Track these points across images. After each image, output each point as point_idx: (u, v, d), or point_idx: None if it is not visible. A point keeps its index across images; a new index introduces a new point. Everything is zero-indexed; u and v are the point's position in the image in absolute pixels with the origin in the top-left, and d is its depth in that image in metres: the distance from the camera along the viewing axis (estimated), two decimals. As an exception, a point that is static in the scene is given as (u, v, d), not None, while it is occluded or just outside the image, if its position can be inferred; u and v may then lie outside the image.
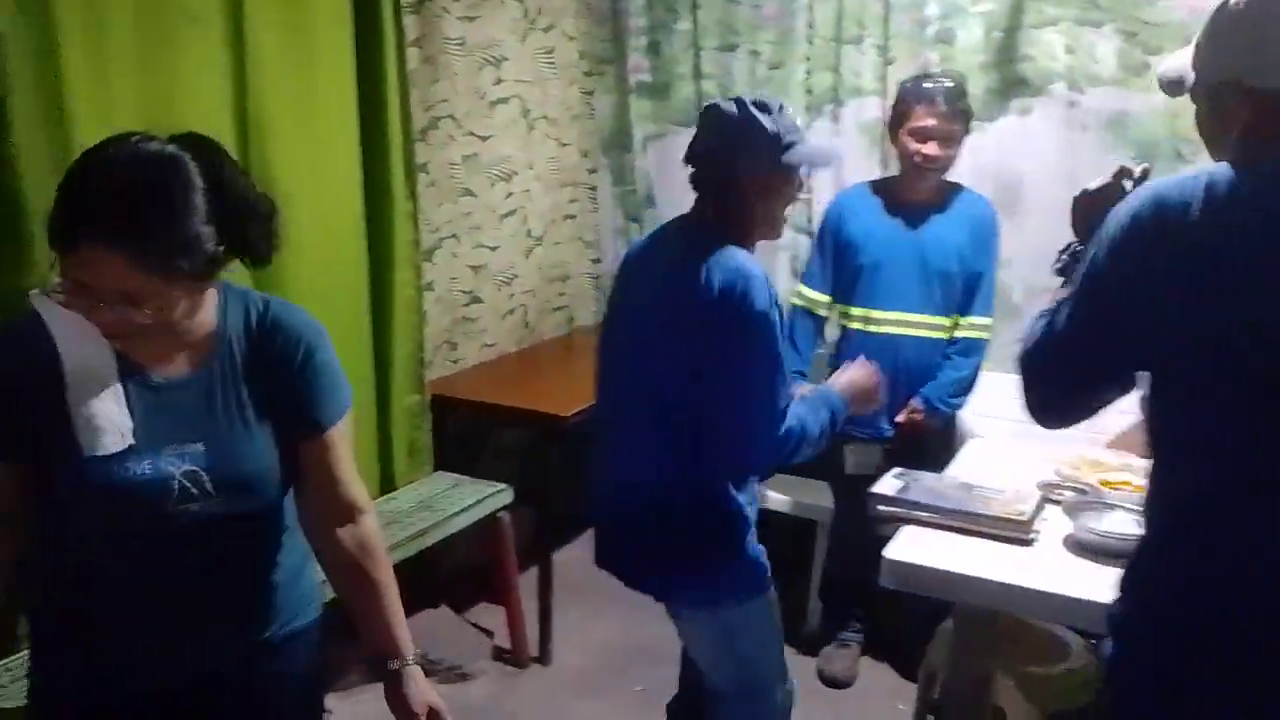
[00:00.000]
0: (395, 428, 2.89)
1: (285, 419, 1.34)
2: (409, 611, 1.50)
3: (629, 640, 2.93)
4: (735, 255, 1.76)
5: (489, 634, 2.99)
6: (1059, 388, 1.35)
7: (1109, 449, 2.33)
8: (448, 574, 3.11)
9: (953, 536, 1.90)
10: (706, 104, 1.91)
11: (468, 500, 2.81)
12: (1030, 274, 3.12)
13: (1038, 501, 1.96)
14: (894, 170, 2.87)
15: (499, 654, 2.97)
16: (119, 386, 1.24)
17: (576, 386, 3.06)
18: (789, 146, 1.78)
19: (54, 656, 1.34)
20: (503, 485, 2.91)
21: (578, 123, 3.74)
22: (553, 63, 3.54)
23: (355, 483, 1.42)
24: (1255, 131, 1.18)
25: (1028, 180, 3.10)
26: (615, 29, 3.69)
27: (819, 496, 3.12)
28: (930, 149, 2.56)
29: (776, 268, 3.50)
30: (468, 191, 3.26)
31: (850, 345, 2.70)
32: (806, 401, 1.86)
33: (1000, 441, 2.67)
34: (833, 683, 2.85)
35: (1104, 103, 2.93)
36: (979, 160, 3.15)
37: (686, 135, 3.44)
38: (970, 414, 2.86)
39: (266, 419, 1.33)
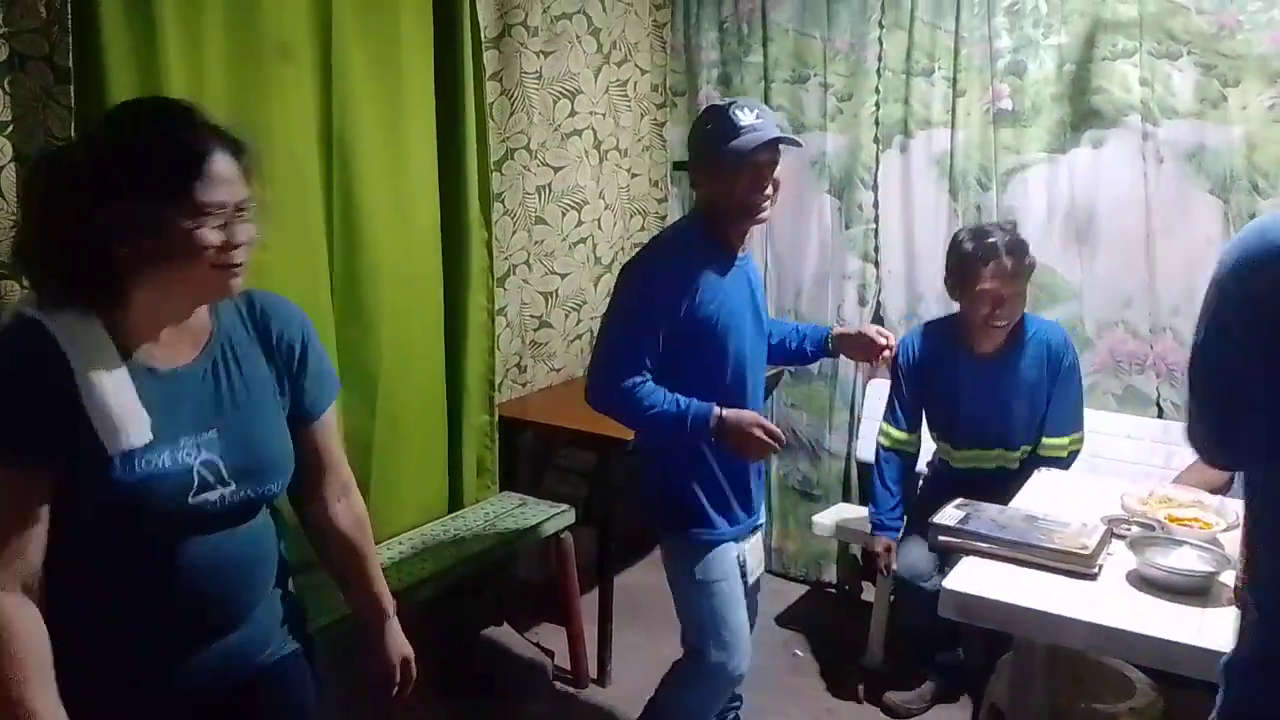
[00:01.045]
0: (465, 447, 2.96)
1: (286, 404, 1.41)
2: (474, 630, 1.57)
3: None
4: (653, 242, 2.21)
5: (550, 654, 3.02)
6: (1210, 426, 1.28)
7: (1175, 484, 2.30)
8: (511, 593, 3.16)
9: (1014, 568, 1.89)
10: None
11: (532, 520, 2.87)
12: (1101, 307, 3.09)
13: (1102, 535, 1.94)
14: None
15: (559, 674, 3.01)
16: (129, 380, 1.22)
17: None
18: (725, 141, 1.97)
19: (68, 673, 1.20)
20: (566, 506, 2.96)
21: (648, 153, 3.81)
22: (625, 95, 3.62)
23: (345, 462, 1.55)
24: None
25: (1101, 212, 3.07)
26: (689, 62, 3.76)
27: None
28: (1000, 315, 2.60)
29: (845, 295, 3.51)
30: (540, 220, 3.34)
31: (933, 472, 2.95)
32: (686, 397, 2.04)
33: (1068, 475, 2.65)
34: (889, 711, 2.83)
35: (1180, 135, 2.89)
36: (1052, 194, 3.14)
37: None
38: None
39: (274, 401, 1.39)
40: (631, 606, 3.17)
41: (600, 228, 3.60)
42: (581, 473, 3.42)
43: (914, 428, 2.83)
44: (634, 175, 3.74)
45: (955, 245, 2.66)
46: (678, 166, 2.20)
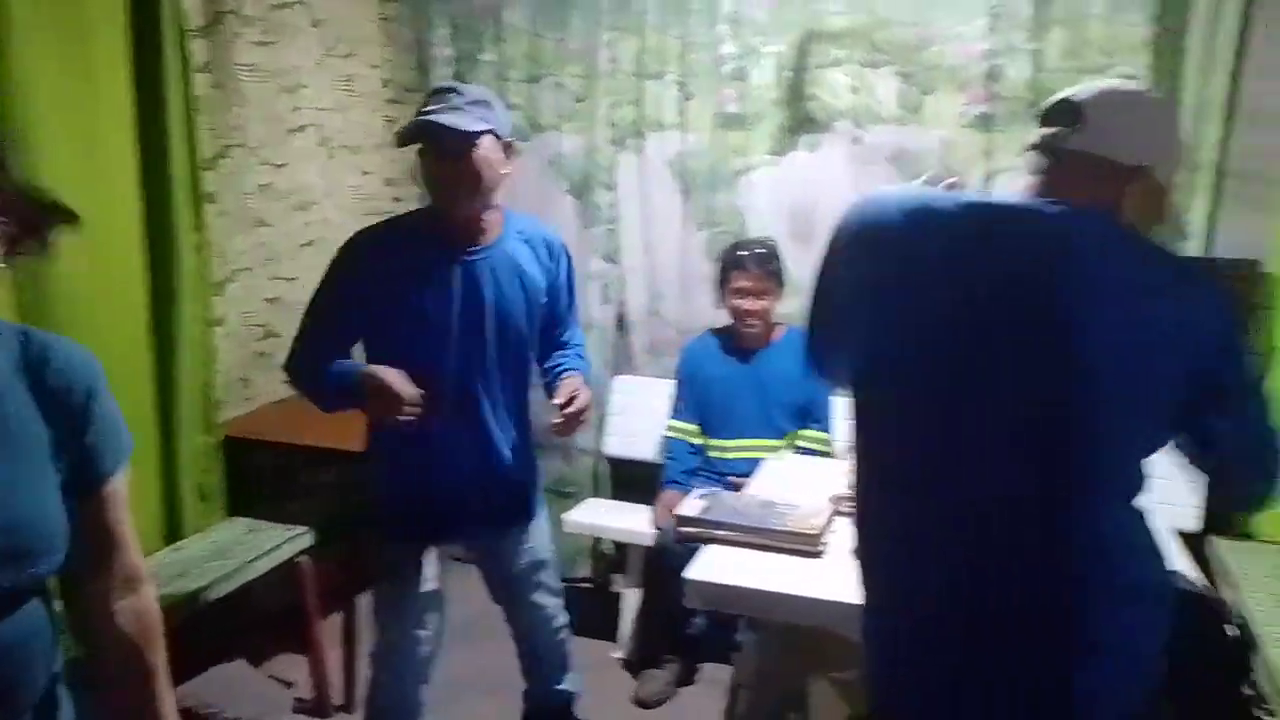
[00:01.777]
0: (182, 472, 2.71)
1: (64, 468, 1.14)
2: (202, 668, 1.38)
3: (443, 677, 2.85)
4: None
5: (288, 685, 2.83)
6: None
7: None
8: (245, 625, 2.94)
9: (752, 553, 1.96)
10: None
11: (265, 545, 2.67)
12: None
13: (829, 515, 2.05)
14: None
15: (300, 705, 2.82)
16: None
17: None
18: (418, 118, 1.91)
19: None
20: (302, 529, 2.78)
21: (380, 151, 3.66)
22: (353, 90, 3.46)
23: (136, 548, 1.24)
24: None
25: (820, 212, 3.26)
26: (420, 58, 3.64)
27: (633, 520, 3.16)
28: (749, 304, 2.99)
29: (590, 297, 3.53)
30: (263, 222, 3.13)
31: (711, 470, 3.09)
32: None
33: (799, 459, 2.81)
34: (642, 704, 2.88)
35: (885, 139, 3.13)
36: (776, 194, 3.30)
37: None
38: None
39: (45, 465, 1.12)
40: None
41: (331, 229, 3.41)
42: (324, 491, 3.24)
43: (695, 420, 3.14)
44: (366, 174, 3.58)
45: (720, 255, 3.09)
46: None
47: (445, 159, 1.91)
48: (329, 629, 2.84)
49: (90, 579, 1.20)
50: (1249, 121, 2.88)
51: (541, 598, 2.34)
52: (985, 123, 3.00)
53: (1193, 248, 2.97)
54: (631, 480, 3.58)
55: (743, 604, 1.89)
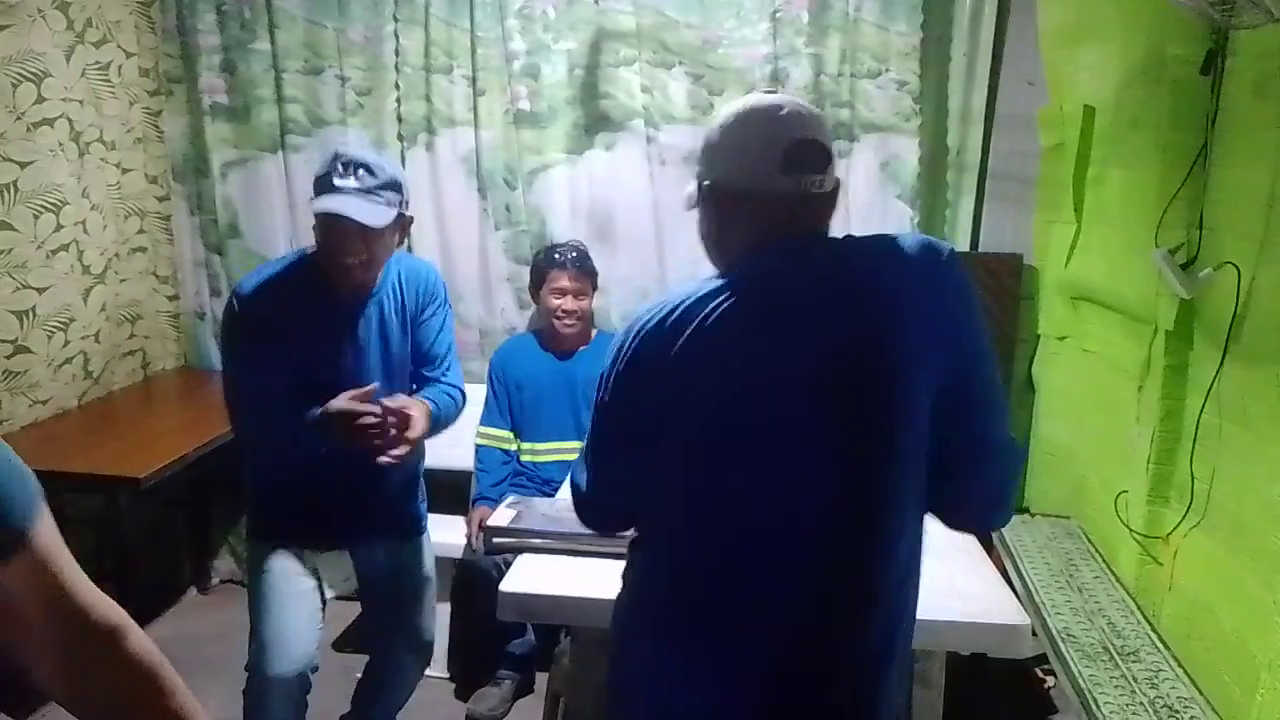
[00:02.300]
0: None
1: None
2: None
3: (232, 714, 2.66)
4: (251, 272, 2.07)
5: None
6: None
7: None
8: (9, 671, 2.62)
9: (567, 560, 1.93)
10: None
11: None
12: (624, 300, 3.30)
13: (642, 516, 2.04)
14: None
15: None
16: None
17: (156, 442, 2.75)
18: (318, 192, 1.93)
19: None
20: (68, 562, 2.50)
21: (143, 145, 3.36)
22: (108, 80, 3.15)
23: (101, 597, 0.94)
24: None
25: (617, 211, 3.27)
26: (185, 46, 3.36)
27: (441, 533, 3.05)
28: (569, 304, 2.99)
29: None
30: (6, 225, 2.79)
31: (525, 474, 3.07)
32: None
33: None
34: (479, 721, 2.81)
35: (678, 139, 3.17)
36: (574, 193, 3.28)
37: (271, 161, 3.27)
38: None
39: None
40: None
41: (87, 231, 3.10)
42: (91, 521, 2.93)
43: (509, 425, 3.09)
44: (126, 171, 3.27)
45: (534, 258, 3.12)
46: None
47: (349, 242, 1.93)
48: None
49: (55, 655, 0.91)
50: (1007, 125, 3.13)
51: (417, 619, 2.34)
52: (773, 123, 3.08)
53: (960, 243, 3.19)
54: (437, 491, 3.46)
55: (558, 613, 1.86)
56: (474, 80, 3.21)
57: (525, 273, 3.30)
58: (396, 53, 3.24)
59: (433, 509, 3.41)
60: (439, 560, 3.09)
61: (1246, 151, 2.06)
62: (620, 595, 1.47)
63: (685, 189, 1.44)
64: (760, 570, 1.27)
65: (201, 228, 3.48)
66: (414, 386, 2.18)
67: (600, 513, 1.51)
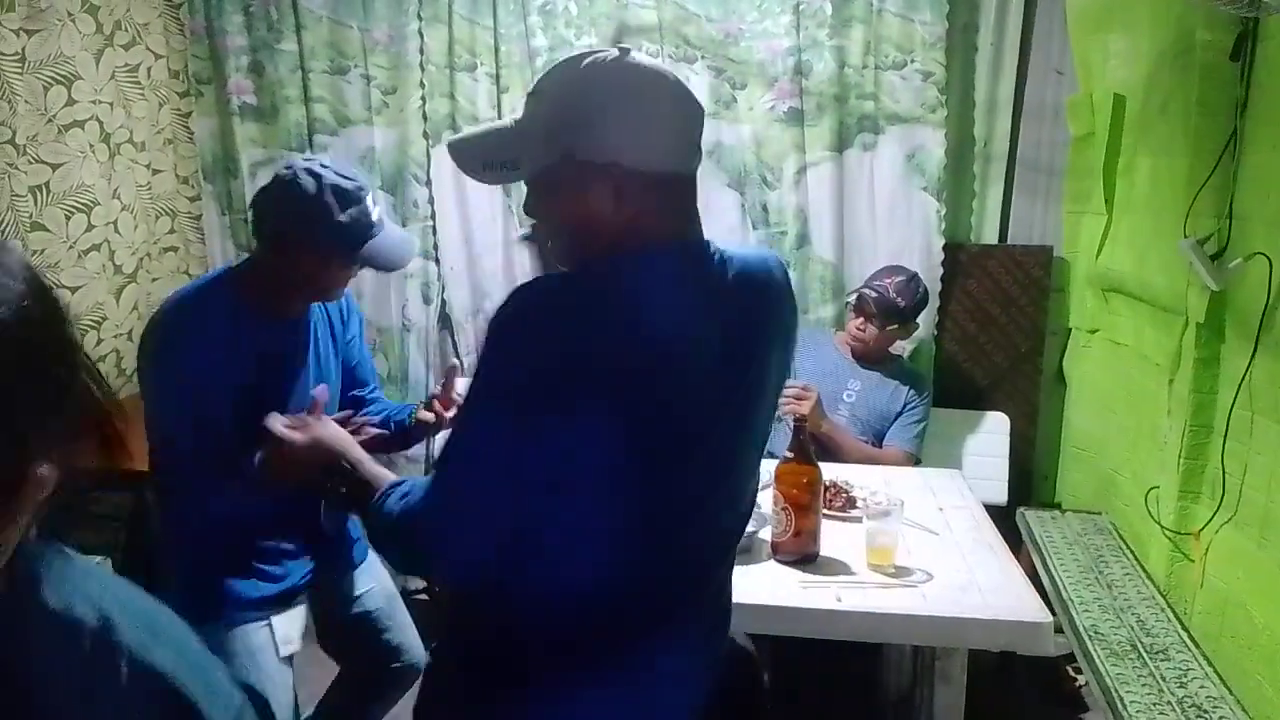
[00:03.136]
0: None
1: None
2: None
3: None
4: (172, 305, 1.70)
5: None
6: None
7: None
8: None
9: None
10: (283, 169, 1.71)
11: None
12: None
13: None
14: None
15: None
16: None
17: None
18: (364, 240, 1.69)
19: None
20: (99, 557, 2.55)
21: (173, 146, 3.40)
22: (137, 82, 3.19)
23: None
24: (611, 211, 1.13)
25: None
26: (213, 47, 3.39)
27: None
28: None
29: (409, 294, 3.41)
30: (39, 225, 2.84)
31: None
32: None
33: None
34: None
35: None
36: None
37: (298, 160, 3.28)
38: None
39: None
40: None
41: (118, 231, 3.15)
42: (120, 518, 2.98)
43: None
44: (156, 172, 3.32)
45: None
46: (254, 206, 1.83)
47: (350, 269, 1.74)
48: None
49: None
50: (1035, 115, 3.08)
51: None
52: (794, 117, 3.06)
53: (989, 235, 3.15)
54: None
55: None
56: (497, 78, 3.22)
57: (549, 269, 3.31)
58: (421, 51, 3.25)
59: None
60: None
61: (1277, 139, 2.01)
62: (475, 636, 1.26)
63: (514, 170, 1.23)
64: (686, 581, 1.28)
65: (232, 227, 3.53)
66: (351, 412, 1.88)
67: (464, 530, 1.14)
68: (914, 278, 2.82)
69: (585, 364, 1.05)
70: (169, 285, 3.43)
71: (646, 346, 1.09)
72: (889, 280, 2.79)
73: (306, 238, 1.67)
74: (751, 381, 1.23)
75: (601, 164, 1.09)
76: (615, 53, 1.14)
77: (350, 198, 1.67)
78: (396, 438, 1.95)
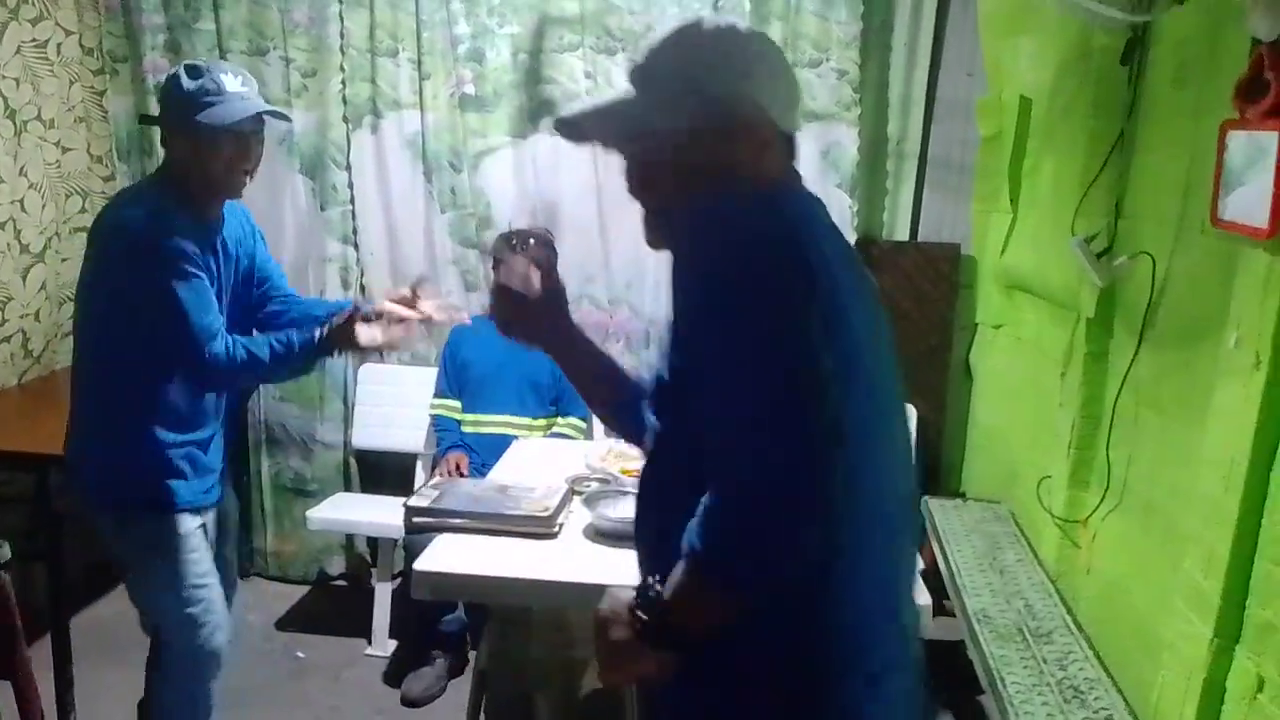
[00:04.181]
0: None
1: None
2: None
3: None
4: (122, 211, 1.91)
5: (-10, 716, 2.55)
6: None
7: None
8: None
9: (487, 539, 1.94)
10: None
11: (-51, 564, 2.37)
12: (570, 284, 3.29)
13: (563, 495, 2.06)
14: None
15: (5, 739, 2.54)
16: None
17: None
18: (205, 107, 1.83)
19: None
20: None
21: (85, 125, 3.33)
22: (46, 58, 3.12)
23: None
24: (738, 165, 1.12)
25: (563, 196, 3.28)
26: (128, 25, 3.33)
27: (384, 514, 3.07)
28: None
29: (328, 279, 3.38)
30: (-61, 202, 2.77)
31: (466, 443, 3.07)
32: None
33: (552, 441, 2.82)
34: (412, 703, 2.80)
35: (622, 124, 3.17)
36: (520, 178, 3.28)
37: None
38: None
39: None
40: (100, 644, 2.79)
41: (25, 210, 3.07)
42: (22, 499, 2.92)
43: (456, 397, 3.13)
44: (67, 150, 3.24)
45: (497, 239, 3.05)
46: (145, 120, 1.97)
47: (252, 147, 1.90)
48: (35, 655, 2.57)
49: None
50: (947, 114, 3.16)
51: None
52: (715, 110, 3.10)
53: (900, 233, 3.23)
54: (381, 473, 3.48)
55: (472, 591, 1.87)
56: (419, 64, 3.21)
57: (471, 255, 3.31)
58: (342, 34, 3.22)
59: (369, 489, 3.46)
60: (381, 542, 3.14)
61: (1164, 140, 2.10)
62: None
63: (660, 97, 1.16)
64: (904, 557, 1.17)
65: (146, 208, 3.46)
66: (285, 310, 2.17)
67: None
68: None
69: (831, 279, 1.00)
70: (77, 266, 3.34)
71: (851, 268, 1.11)
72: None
73: (165, 116, 1.90)
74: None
75: (750, 120, 1.12)
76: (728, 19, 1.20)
77: (198, 71, 1.84)
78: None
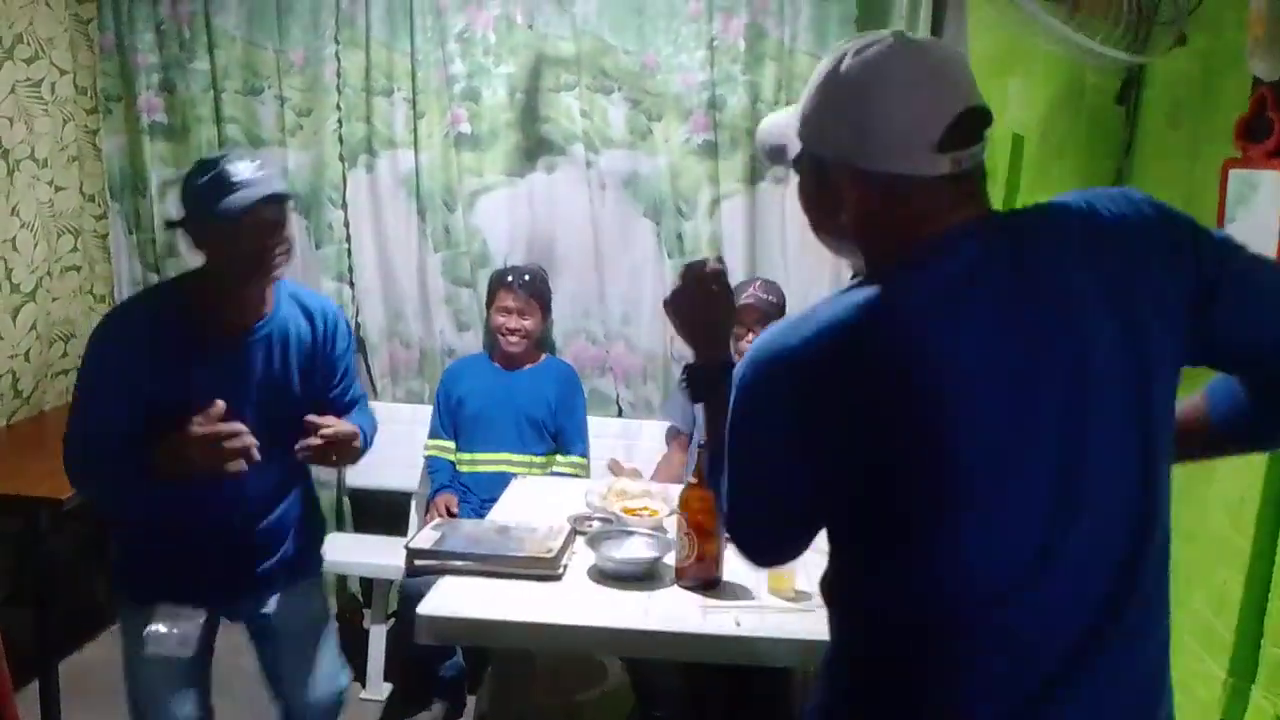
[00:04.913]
0: None
1: None
2: None
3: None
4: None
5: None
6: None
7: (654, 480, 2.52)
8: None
9: (489, 581, 1.91)
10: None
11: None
12: (566, 319, 3.31)
13: (566, 536, 2.04)
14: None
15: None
16: None
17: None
18: (222, 196, 1.71)
19: None
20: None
21: (78, 164, 3.31)
22: (40, 97, 3.11)
23: None
24: (865, 216, 1.06)
25: (559, 233, 3.28)
26: (123, 64, 3.33)
27: (378, 554, 3.03)
28: (512, 322, 2.99)
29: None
30: (-71, 242, 2.75)
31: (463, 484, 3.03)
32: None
33: (542, 480, 2.79)
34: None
35: (617, 164, 3.19)
36: (514, 216, 3.28)
37: (208, 181, 3.22)
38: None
39: None
40: (86, 690, 2.73)
41: (16, 249, 3.05)
42: (10, 542, 2.87)
43: (451, 437, 3.10)
44: (59, 189, 3.22)
45: (490, 276, 3.13)
46: (172, 225, 1.84)
47: (274, 230, 1.76)
48: (23, 701, 2.51)
49: None
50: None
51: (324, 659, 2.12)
52: (709, 150, 3.12)
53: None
54: (375, 512, 3.44)
55: (475, 636, 1.84)
56: (414, 102, 3.21)
57: (464, 294, 3.30)
58: (338, 74, 3.23)
59: (365, 530, 3.41)
60: (376, 582, 3.09)
61: (1161, 179, 2.11)
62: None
63: (761, 138, 1.20)
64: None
65: (139, 247, 3.44)
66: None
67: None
68: (770, 281, 2.97)
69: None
70: (69, 305, 3.33)
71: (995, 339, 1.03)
72: (753, 288, 2.88)
73: (187, 214, 1.78)
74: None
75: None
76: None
77: (209, 165, 1.76)
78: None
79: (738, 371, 1.07)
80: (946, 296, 0.99)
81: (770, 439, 1.06)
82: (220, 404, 1.70)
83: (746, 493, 1.11)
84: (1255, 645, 1.58)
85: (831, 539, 1.12)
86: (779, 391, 1.03)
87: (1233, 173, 1.68)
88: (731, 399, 1.07)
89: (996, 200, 2.92)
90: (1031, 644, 1.00)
